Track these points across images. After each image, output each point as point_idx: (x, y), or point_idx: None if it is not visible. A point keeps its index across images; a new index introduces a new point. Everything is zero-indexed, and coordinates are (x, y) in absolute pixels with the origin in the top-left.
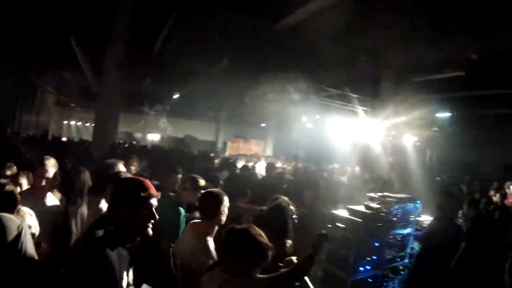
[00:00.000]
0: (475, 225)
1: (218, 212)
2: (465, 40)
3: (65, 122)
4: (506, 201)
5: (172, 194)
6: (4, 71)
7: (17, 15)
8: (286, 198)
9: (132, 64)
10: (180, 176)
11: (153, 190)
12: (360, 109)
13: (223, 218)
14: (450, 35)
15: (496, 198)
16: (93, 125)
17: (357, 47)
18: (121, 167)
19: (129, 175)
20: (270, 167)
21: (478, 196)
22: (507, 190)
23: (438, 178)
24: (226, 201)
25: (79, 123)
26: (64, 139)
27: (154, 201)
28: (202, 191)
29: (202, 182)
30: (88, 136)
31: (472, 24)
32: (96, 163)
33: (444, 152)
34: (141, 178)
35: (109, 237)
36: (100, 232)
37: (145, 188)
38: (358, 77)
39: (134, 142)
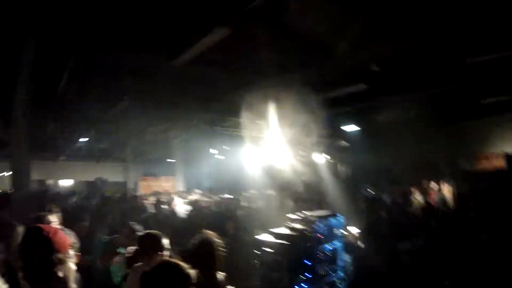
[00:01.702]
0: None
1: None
2: (362, 52)
3: None
4: (428, 198)
5: (105, 237)
6: None
7: None
8: (210, 232)
9: (37, 108)
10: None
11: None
12: (264, 134)
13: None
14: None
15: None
16: (7, 175)
17: (250, 72)
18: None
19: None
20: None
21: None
22: (428, 187)
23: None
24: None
25: None
26: None
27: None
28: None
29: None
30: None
31: (364, 34)
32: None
33: (355, 163)
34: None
35: None
36: None
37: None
38: (258, 102)
39: (42, 189)
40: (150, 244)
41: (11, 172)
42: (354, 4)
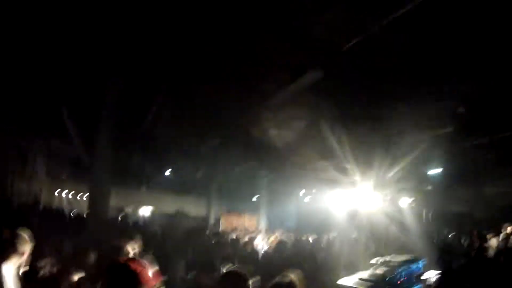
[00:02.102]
0: None
1: None
2: (451, 97)
3: (56, 192)
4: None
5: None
6: None
7: (8, 86)
8: (294, 273)
9: (123, 140)
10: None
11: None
12: (355, 179)
13: None
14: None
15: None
16: (85, 198)
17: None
18: (130, 249)
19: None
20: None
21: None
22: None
23: (435, 237)
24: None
25: (70, 195)
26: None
27: None
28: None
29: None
30: (79, 209)
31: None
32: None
33: (438, 208)
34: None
35: None
36: None
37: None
38: (346, 146)
39: (122, 215)
40: (234, 283)
41: (88, 197)
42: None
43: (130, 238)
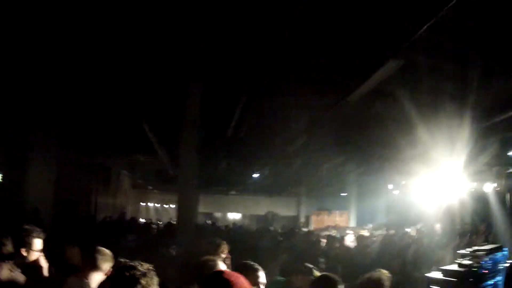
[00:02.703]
0: None
1: None
2: None
3: (143, 204)
4: None
5: (280, 278)
6: (78, 155)
7: (89, 103)
8: (383, 270)
9: (208, 147)
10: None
11: None
12: (438, 167)
13: None
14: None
15: None
16: (173, 207)
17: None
18: (221, 265)
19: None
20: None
21: None
22: None
23: None
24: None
25: (157, 205)
26: (142, 220)
27: None
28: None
29: (316, 273)
30: (166, 218)
31: None
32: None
33: None
34: None
35: None
36: None
37: None
38: (431, 135)
39: (209, 222)
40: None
41: (177, 205)
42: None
43: (219, 243)
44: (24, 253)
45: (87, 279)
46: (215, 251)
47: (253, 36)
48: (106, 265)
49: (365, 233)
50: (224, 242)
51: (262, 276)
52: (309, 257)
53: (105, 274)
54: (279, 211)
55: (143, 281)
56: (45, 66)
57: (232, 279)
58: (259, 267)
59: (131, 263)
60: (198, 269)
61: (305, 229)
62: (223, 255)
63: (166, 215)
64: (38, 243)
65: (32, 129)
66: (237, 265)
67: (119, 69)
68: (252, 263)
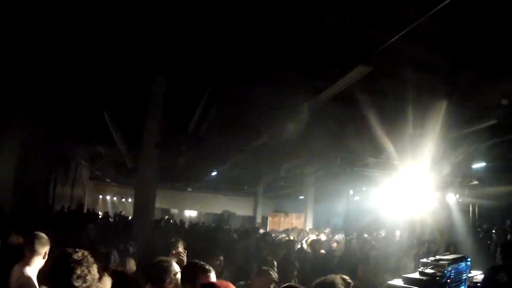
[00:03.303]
0: None
1: None
2: (494, 89)
3: (100, 196)
4: None
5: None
6: (36, 144)
7: (50, 90)
8: (338, 275)
9: (169, 141)
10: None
11: None
12: (401, 175)
13: None
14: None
15: None
16: (130, 200)
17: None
18: (175, 266)
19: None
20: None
21: None
22: None
23: (478, 229)
24: None
25: (115, 198)
26: (100, 213)
27: None
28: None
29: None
30: (124, 212)
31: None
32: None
33: (484, 203)
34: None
35: None
36: None
37: None
38: (396, 142)
39: (166, 217)
40: None
41: (134, 199)
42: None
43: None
44: None
45: (29, 265)
46: (172, 248)
47: (221, 29)
48: (44, 249)
49: (323, 237)
50: (180, 239)
51: (213, 277)
52: (269, 258)
53: (43, 258)
54: (236, 210)
55: (78, 270)
56: (7, 50)
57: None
58: (211, 268)
59: (67, 251)
60: (153, 270)
61: (261, 231)
62: (179, 250)
63: (123, 208)
64: None
65: None
66: (188, 264)
67: (84, 57)
68: (202, 263)
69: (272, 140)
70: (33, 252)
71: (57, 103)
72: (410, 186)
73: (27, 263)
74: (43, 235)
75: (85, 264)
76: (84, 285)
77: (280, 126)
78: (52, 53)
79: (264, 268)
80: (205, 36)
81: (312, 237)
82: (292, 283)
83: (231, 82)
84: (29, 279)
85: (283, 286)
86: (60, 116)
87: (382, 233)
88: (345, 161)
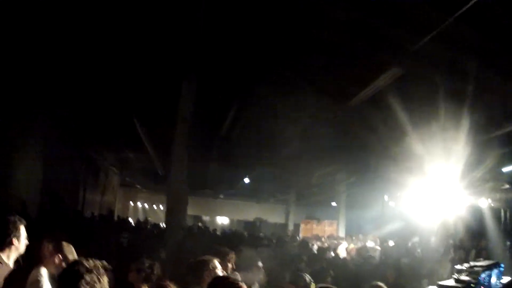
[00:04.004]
0: None
1: None
2: None
3: (131, 203)
4: None
5: None
6: (65, 151)
7: (80, 96)
8: (379, 283)
9: (200, 147)
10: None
11: None
12: (433, 180)
13: None
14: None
15: None
16: (161, 207)
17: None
18: (217, 263)
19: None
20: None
21: None
22: None
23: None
24: None
25: (146, 205)
26: (130, 220)
27: None
28: None
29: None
30: (154, 218)
31: None
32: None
33: None
34: None
35: None
36: None
37: None
38: (430, 147)
39: (200, 224)
40: None
41: (166, 206)
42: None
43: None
44: (15, 242)
45: (45, 267)
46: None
47: (252, 35)
48: (62, 254)
49: (371, 243)
50: (231, 251)
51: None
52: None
53: (60, 263)
54: (268, 217)
55: (87, 277)
56: (37, 56)
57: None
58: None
59: (80, 260)
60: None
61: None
62: (229, 264)
63: (154, 215)
64: (23, 230)
65: (19, 120)
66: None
67: (113, 62)
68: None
69: (304, 146)
70: (51, 256)
71: (86, 109)
72: (442, 191)
73: (44, 265)
74: (70, 247)
75: (95, 272)
76: None
77: (311, 133)
78: (83, 60)
79: (298, 274)
80: (235, 39)
81: (344, 244)
82: (328, 285)
83: (261, 87)
84: (41, 278)
85: (318, 286)
86: (88, 121)
87: (415, 239)
88: (377, 167)
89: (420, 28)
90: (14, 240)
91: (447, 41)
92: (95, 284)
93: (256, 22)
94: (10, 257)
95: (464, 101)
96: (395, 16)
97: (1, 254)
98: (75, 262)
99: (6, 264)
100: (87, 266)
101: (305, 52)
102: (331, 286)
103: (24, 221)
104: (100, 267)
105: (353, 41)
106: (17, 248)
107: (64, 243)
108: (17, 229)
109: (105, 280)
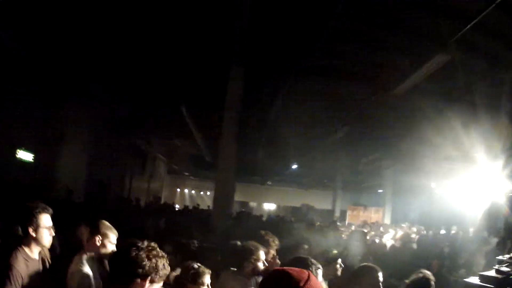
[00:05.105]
0: None
1: None
2: None
3: (178, 189)
4: None
5: None
6: (112, 139)
7: (126, 84)
8: (429, 273)
9: (247, 134)
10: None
11: None
12: (480, 168)
13: None
14: None
15: None
16: (208, 194)
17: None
18: (262, 254)
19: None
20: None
21: None
22: None
23: None
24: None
25: (193, 191)
26: (177, 206)
27: None
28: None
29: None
30: (202, 205)
31: None
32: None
33: None
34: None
35: None
36: None
37: None
38: (482, 136)
39: (248, 212)
40: (367, 275)
41: (214, 192)
42: None
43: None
44: (33, 233)
45: (87, 253)
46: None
47: (297, 21)
48: (104, 238)
49: (402, 231)
50: (274, 238)
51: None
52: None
53: (102, 247)
54: (314, 204)
55: (139, 257)
56: (83, 44)
57: (302, 283)
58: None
59: (133, 240)
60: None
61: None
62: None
63: (201, 201)
64: (46, 219)
65: (66, 107)
66: (290, 260)
67: (160, 50)
68: (305, 257)
69: (350, 133)
70: (91, 238)
71: (133, 97)
72: (487, 179)
73: (86, 251)
74: (107, 224)
75: (145, 251)
76: (140, 270)
77: (358, 120)
78: (131, 48)
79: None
80: (281, 26)
81: (390, 234)
82: (369, 264)
83: (307, 75)
84: (82, 266)
85: (362, 264)
86: (135, 109)
87: (456, 229)
88: (423, 155)
89: (462, 16)
90: (31, 230)
91: (488, 30)
92: (143, 262)
93: (299, 10)
94: (33, 251)
95: (506, 89)
96: (437, 5)
97: (26, 249)
98: (128, 242)
99: (32, 259)
100: (140, 245)
101: (352, 39)
102: (374, 265)
103: (49, 210)
104: (152, 246)
105: (397, 32)
106: (35, 239)
107: (100, 222)
108: (35, 219)
109: (158, 260)
